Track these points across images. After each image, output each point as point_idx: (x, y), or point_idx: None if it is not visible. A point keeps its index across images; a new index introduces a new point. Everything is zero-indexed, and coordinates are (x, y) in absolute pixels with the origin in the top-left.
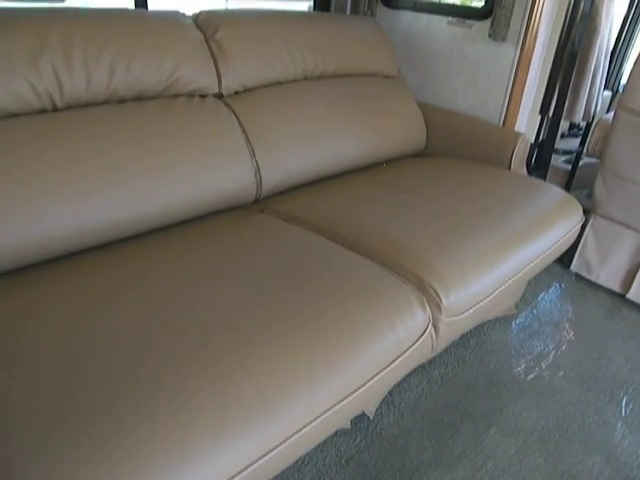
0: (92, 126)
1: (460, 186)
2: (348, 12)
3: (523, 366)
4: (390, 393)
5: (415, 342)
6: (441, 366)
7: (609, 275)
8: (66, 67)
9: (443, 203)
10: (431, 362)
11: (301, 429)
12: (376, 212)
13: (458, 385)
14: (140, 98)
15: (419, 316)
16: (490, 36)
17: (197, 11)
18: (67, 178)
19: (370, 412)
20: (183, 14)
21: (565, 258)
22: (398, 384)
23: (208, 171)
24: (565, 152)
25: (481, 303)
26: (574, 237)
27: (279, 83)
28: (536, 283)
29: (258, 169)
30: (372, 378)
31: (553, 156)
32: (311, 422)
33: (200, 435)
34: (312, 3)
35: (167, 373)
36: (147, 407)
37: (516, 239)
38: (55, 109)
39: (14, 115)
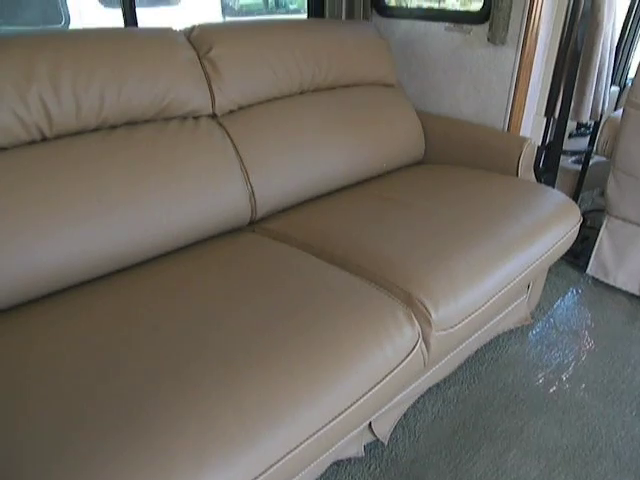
0: (82, 156)
1: (455, 196)
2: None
3: (542, 380)
4: (405, 415)
5: (404, 359)
6: (456, 384)
7: (627, 277)
8: (54, 97)
9: (436, 215)
10: (446, 380)
11: (285, 455)
12: (367, 227)
13: (475, 403)
14: (132, 123)
15: (407, 333)
16: (489, 40)
17: (190, 26)
18: (57, 209)
19: (384, 437)
20: (175, 31)
21: (581, 262)
22: (412, 405)
23: (201, 198)
24: (574, 153)
25: (474, 315)
26: (572, 240)
27: (274, 99)
28: (551, 290)
29: (253, 193)
30: (359, 399)
31: (562, 157)
32: (296, 447)
33: (182, 466)
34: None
35: (157, 404)
36: (137, 441)
37: (508, 248)
38: (44, 139)
39: (1, 148)
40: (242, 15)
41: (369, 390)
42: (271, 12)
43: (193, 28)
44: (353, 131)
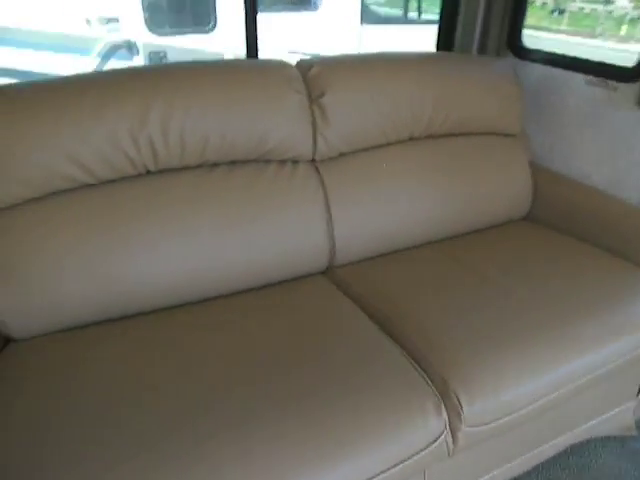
0: (179, 191)
1: (541, 275)
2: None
3: None
4: None
5: (423, 450)
6: None
7: None
8: (163, 140)
9: (511, 295)
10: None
11: None
12: (431, 294)
13: None
14: (233, 162)
15: (432, 424)
16: (638, 104)
17: (309, 61)
18: (146, 230)
19: None
20: (291, 68)
21: None
22: None
23: (283, 243)
24: None
25: (516, 414)
26: None
27: (379, 146)
28: None
29: (333, 246)
30: None
31: None
32: None
33: None
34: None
35: (171, 439)
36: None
37: (575, 347)
38: (148, 172)
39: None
40: (381, 23)
41: (380, 473)
42: (409, 22)
43: (312, 65)
44: (453, 187)
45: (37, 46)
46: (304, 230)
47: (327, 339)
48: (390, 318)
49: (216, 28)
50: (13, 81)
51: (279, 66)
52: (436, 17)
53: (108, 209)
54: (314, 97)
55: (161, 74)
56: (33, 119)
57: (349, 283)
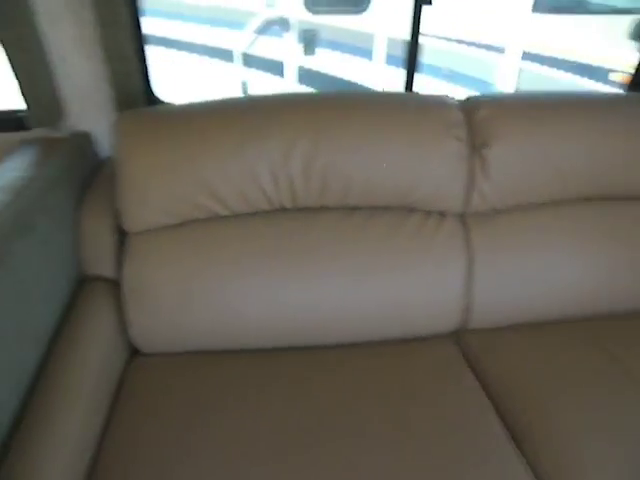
0: (315, 232)
1: None
2: None
3: None
4: None
5: None
6: None
7: None
8: (303, 180)
9: None
10: None
11: None
12: (577, 402)
13: None
14: (374, 207)
15: None
16: None
17: (476, 100)
18: (274, 275)
19: None
20: (453, 107)
21: None
22: None
23: (414, 300)
24: None
25: None
26: None
27: (542, 204)
28: None
29: (468, 310)
30: None
31: None
32: None
33: None
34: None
35: None
36: None
37: None
38: (284, 209)
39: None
40: (557, 12)
41: None
42: (587, 10)
43: (478, 107)
44: (621, 260)
45: (189, 18)
46: (441, 288)
47: (442, 441)
48: (522, 422)
49: (369, 8)
50: (168, 50)
51: (440, 106)
52: (628, 5)
53: (238, 241)
54: (477, 146)
55: (310, 107)
56: (180, 152)
57: (479, 357)
